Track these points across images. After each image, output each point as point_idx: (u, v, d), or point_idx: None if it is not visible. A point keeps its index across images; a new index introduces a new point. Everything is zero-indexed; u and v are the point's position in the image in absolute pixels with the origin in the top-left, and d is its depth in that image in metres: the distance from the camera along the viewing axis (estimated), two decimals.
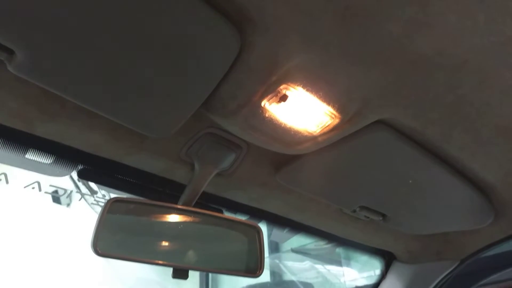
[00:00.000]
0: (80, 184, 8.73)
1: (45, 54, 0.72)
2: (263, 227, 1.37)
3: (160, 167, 1.18)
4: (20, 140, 0.98)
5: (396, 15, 0.68)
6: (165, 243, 1.09)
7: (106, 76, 0.79)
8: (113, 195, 1.19)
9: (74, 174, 1.13)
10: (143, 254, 1.04)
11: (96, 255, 0.92)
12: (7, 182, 8.10)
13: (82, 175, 1.11)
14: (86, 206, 9.00)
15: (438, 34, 0.70)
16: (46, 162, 1.03)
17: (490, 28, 0.68)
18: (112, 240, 0.99)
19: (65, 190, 8.92)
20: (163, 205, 1.08)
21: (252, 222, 1.19)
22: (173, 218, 1.10)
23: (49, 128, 0.97)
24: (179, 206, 1.11)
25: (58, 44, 0.71)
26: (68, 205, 9.16)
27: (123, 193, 1.22)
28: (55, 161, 1.05)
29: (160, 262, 1.03)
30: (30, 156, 1.01)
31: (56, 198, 8.94)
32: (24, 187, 8.21)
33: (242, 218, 1.37)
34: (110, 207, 0.97)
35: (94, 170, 1.13)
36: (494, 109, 0.88)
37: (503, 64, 0.76)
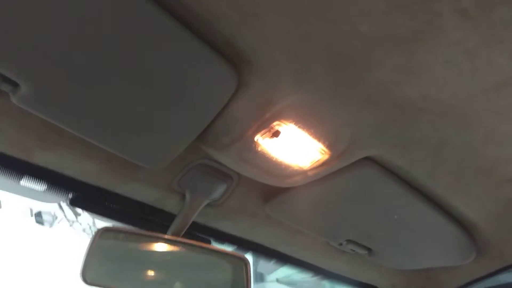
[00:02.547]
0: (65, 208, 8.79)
1: (48, 88, 0.75)
2: (250, 258, 1.38)
3: (151, 197, 1.19)
4: (16, 167, 1.00)
5: (383, 63, 0.72)
6: (153, 273, 1.09)
7: (106, 109, 0.81)
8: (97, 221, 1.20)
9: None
10: (131, 284, 1.04)
11: (85, 283, 0.92)
12: (0, 207, 8.24)
13: (74, 203, 1.12)
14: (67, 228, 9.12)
15: (424, 81, 0.74)
16: (39, 188, 1.04)
17: (474, 76, 0.72)
18: (101, 269, 1.00)
19: (54, 216, 9.02)
20: (153, 235, 1.08)
21: (240, 254, 1.20)
22: (162, 248, 1.11)
23: (46, 157, 0.99)
24: (168, 237, 1.11)
25: (60, 79, 0.74)
26: (51, 225, 9.21)
27: (113, 221, 1.22)
28: (48, 188, 1.06)
29: None
30: (25, 182, 1.01)
31: (39, 220, 8.96)
32: (17, 212, 8.35)
33: (230, 248, 1.38)
34: (100, 236, 0.98)
35: (86, 198, 1.13)
36: (477, 151, 0.91)
37: (486, 110, 0.79)
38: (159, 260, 1.12)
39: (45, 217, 9.17)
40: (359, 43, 0.69)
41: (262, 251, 1.51)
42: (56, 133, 0.94)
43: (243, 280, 1.15)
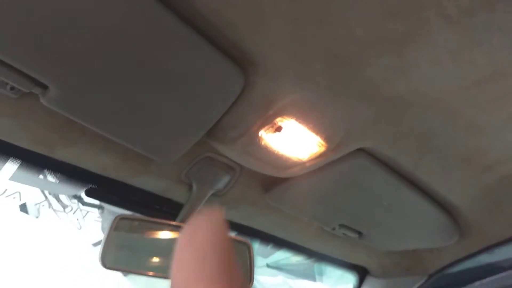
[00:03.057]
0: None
1: (75, 90, 0.81)
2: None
3: (161, 187, 1.26)
4: (39, 162, 1.06)
5: (376, 63, 0.79)
6: (163, 257, 1.17)
7: (127, 108, 0.88)
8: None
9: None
10: (145, 267, 1.12)
11: (104, 268, 1.00)
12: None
13: (90, 194, 1.19)
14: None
15: (412, 78, 0.81)
16: (56, 181, 1.10)
17: (457, 74, 0.78)
18: (118, 254, 1.07)
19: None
20: (163, 222, 1.16)
21: (243, 238, 1.28)
22: (172, 234, 1.19)
23: (68, 153, 1.05)
24: (177, 224, 1.19)
25: (85, 81, 0.80)
26: (37, 217, 9.22)
27: (125, 210, 1.29)
28: (66, 181, 1.13)
29: (160, 274, 1.11)
30: (43, 176, 1.08)
31: (23, 208, 8.98)
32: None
33: (231, 234, 1.47)
34: (116, 224, 1.06)
35: (101, 189, 1.21)
36: (458, 141, 0.99)
37: (467, 104, 0.87)
38: (169, 245, 1.19)
39: (30, 207, 9.14)
40: (354, 45, 0.75)
41: (260, 236, 1.60)
42: (78, 131, 1.00)
43: (247, 262, 1.24)
